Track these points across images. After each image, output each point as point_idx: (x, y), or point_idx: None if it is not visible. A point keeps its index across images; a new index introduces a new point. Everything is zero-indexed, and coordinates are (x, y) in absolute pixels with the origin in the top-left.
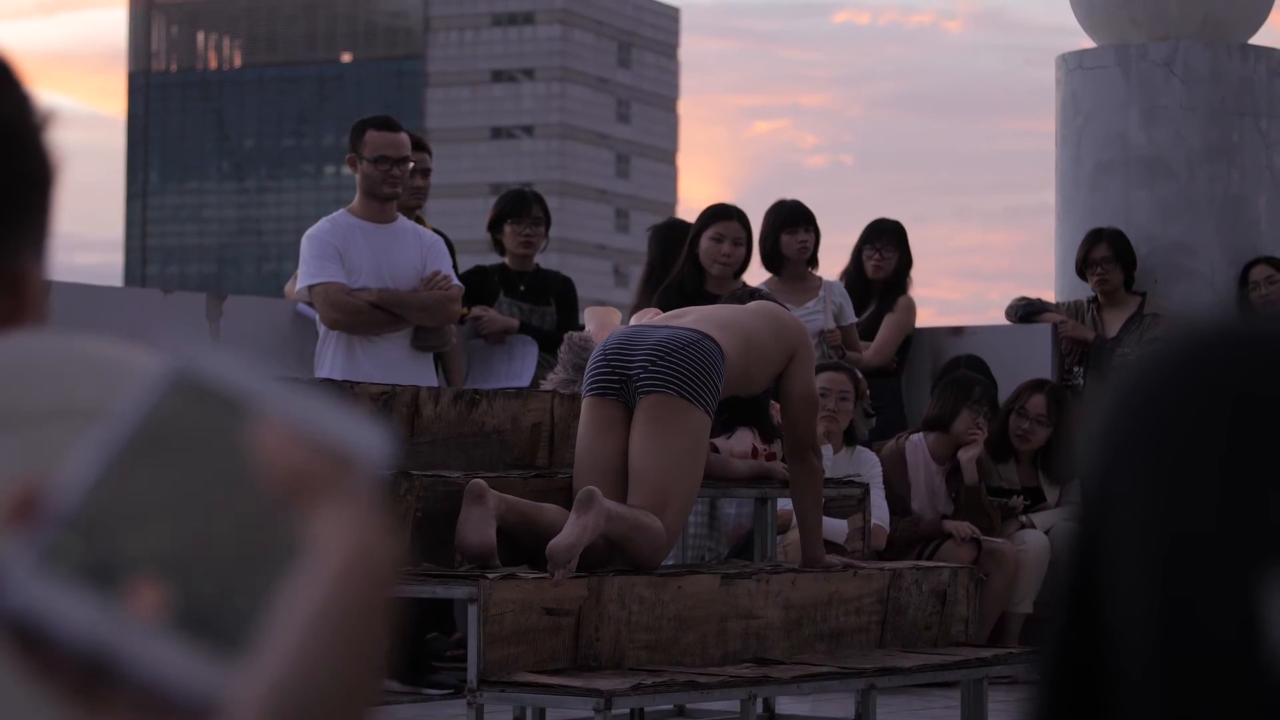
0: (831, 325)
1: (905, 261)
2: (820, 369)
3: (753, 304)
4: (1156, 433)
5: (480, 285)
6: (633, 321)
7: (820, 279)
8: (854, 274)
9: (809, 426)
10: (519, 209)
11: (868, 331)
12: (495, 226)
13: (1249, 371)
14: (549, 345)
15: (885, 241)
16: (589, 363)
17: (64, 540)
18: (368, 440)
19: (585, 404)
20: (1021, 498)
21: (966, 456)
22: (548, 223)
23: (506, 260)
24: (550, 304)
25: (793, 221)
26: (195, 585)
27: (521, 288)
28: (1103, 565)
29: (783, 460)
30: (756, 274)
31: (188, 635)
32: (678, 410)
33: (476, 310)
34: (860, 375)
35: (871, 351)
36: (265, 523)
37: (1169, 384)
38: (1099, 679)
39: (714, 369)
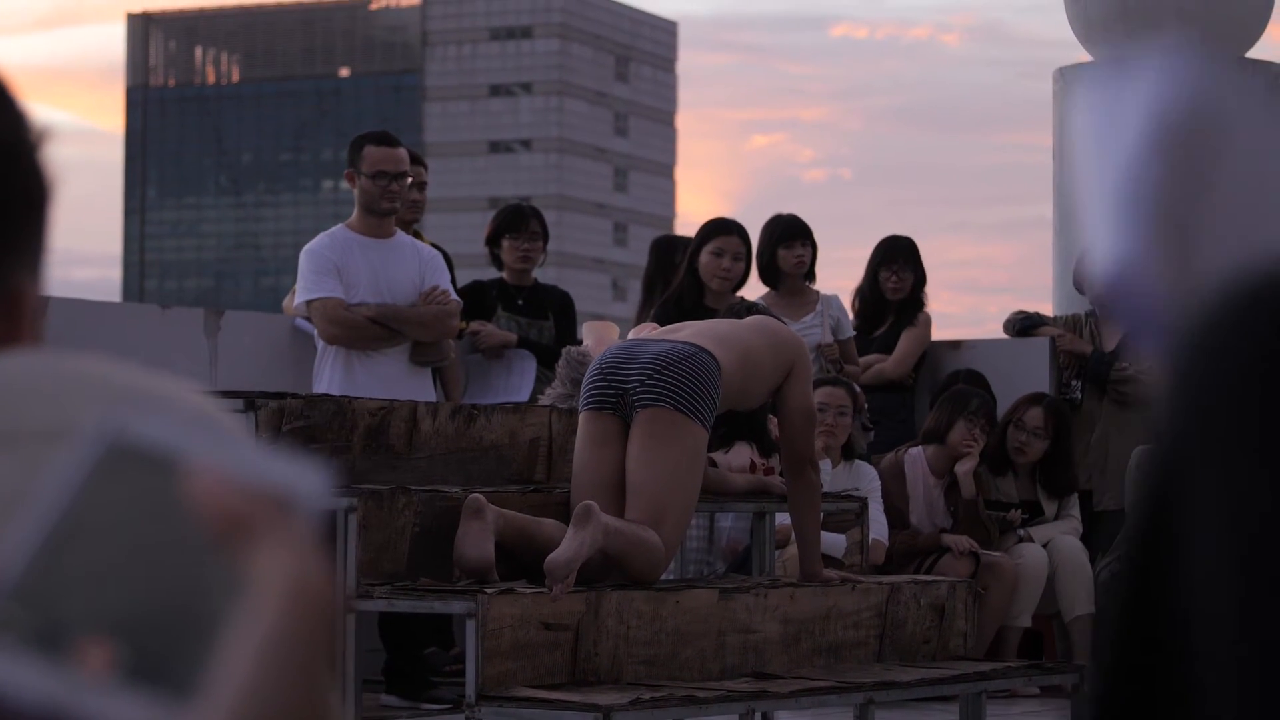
0: (829, 339)
1: (920, 279)
2: (818, 384)
3: (751, 319)
4: (1225, 402)
5: (478, 300)
6: (630, 336)
7: (818, 293)
8: (869, 292)
9: (807, 442)
10: (517, 224)
11: (885, 347)
12: (493, 241)
13: None
14: (548, 359)
15: (902, 263)
16: (585, 377)
17: (8, 610)
18: (301, 480)
19: (582, 418)
20: (1019, 511)
21: (963, 470)
22: (546, 237)
23: (505, 275)
24: (549, 318)
25: (790, 236)
26: (142, 638)
27: (520, 302)
28: (1177, 536)
29: (781, 475)
30: (754, 288)
31: (140, 688)
32: (674, 424)
33: (474, 325)
34: (858, 389)
35: (892, 364)
36: (205, 569)
37: (1234, 353)
38: (1169, 665)
39: (710, 383)
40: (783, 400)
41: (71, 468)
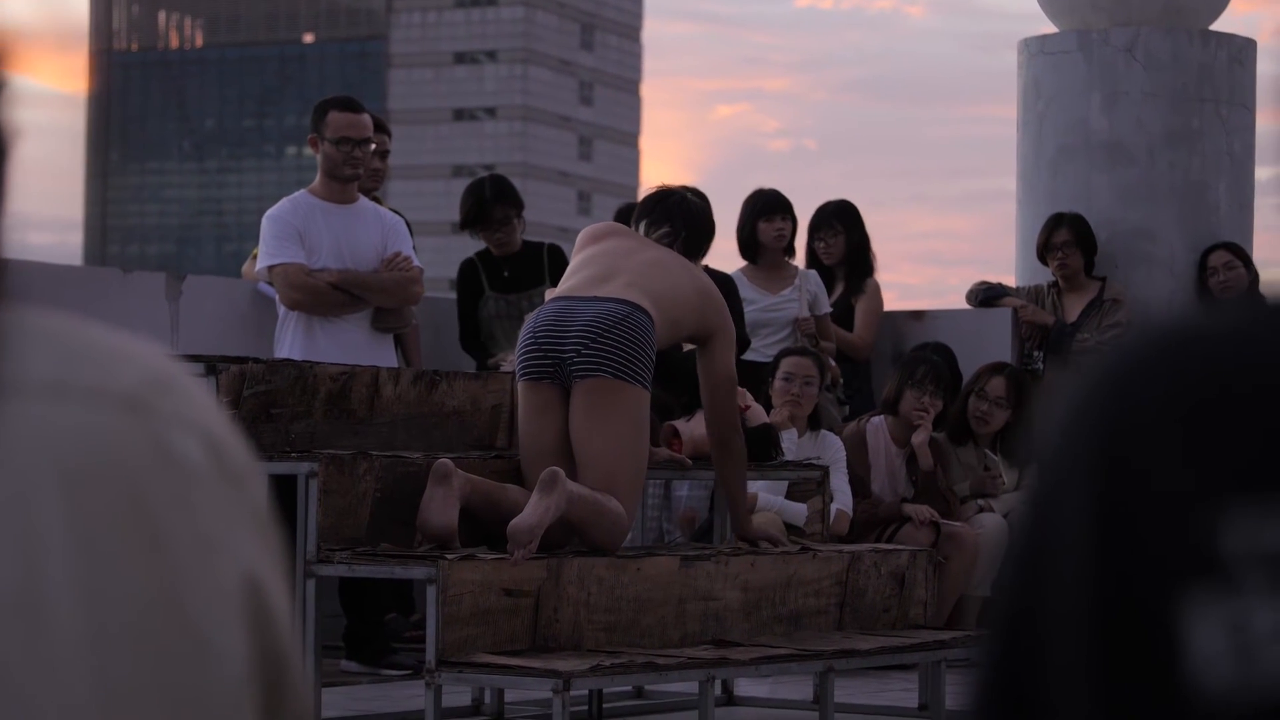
0: (806, 314)
1: (857, 240)
2: (786, 353)
3: (697, 282)
4: (1103, 436)
5: (472, 281)
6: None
7: (796, 268)
8: (811, 263)
9: (730, 407)
10: (481, 218)
11: (839, 317)
12: (466, 227)
13: (1186, 385)
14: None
15: (832, 227)
16: (519, 342)
17: None
18: None
19: (521, 388)
20: (1000, 478)
21: (917, 441)
22: (517, 211)
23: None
24: (545, 281)
25: (770, 209)
26: None
27: (505, 274)
28: (1045, 562)
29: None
30: (733, 261)
31: None
32: (615, 391)
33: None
34: (831, 362)
35: (859, 344)
36: None
37: (1117, 390)
38: (1038, 671)
39: (647, 342)
40: (706, 365)
41: None
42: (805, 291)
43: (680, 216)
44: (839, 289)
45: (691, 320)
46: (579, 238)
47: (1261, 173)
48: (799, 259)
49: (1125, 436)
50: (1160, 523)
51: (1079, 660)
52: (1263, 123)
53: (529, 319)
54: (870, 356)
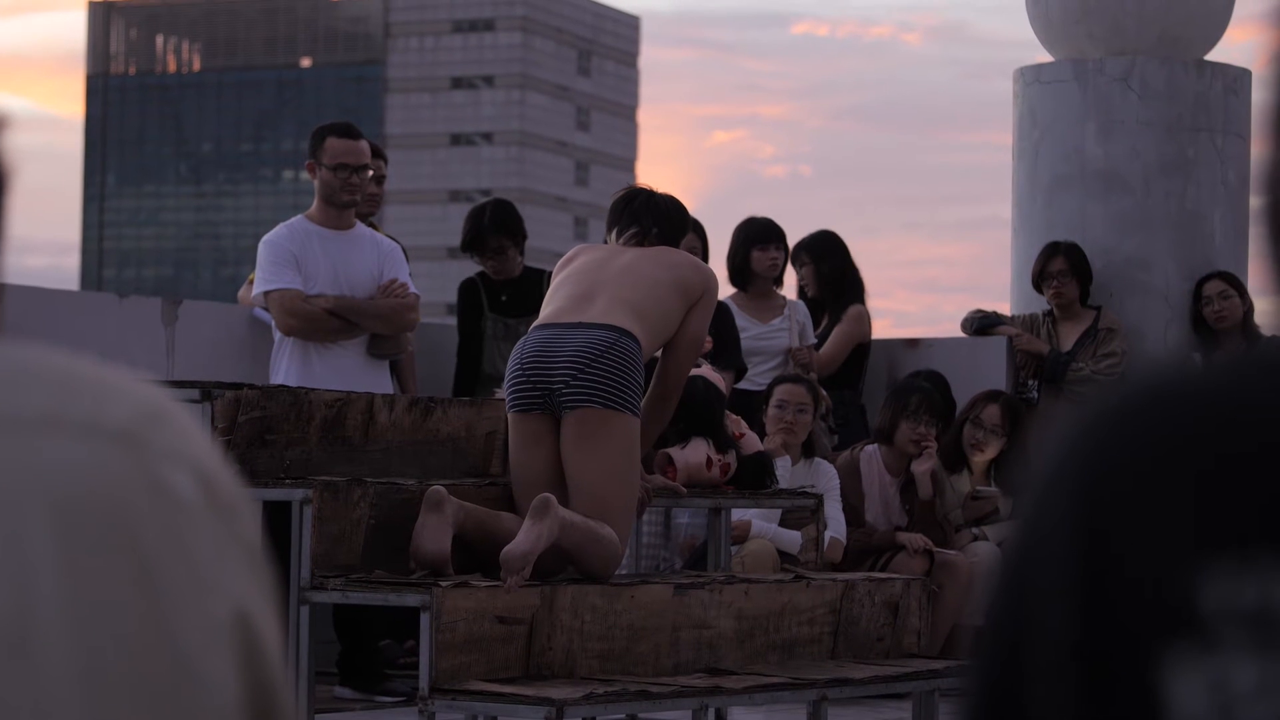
0: (797, 344)
1: (830, 269)
2: (779, 381)
3: (672, 266)
4: (1084, 494)
5: (473, 302)
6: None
7: (785, 298)
8: (801, 293)
9: (682, 368)
10: (477, 245)
11: (819, 345)
12: (465, 251)
13: (1167, 444)
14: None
15: (799, 260)
16: (508, 371)
17: None
18: None
19: (510, 419)
20: (990, 499)
21: (921, 470)
22: (515, 240)
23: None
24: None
25: (764, 238)
26: None
27: (503, 298)
28: (1029, 611)
29: (720, 454)
30: (722, 288)
31: None
32: (605, 421)
33: None
34: (821, 390)
35: (822, 364)
36: None
37: (1099, 448)
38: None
39: (635, 368)
40: (680, 325)
41: None
42: (795, 321)
43: (647, 214)
44: (825, 318)
45: (678, 307)
46: (555, 269)
47: (1257, 202)
48: (788, 289)
49: (1107, 495)
50: (1141, 581)
51: (1062, 713)
52: (1254, 151)
53: (515, 348)
54: (858, 384)
